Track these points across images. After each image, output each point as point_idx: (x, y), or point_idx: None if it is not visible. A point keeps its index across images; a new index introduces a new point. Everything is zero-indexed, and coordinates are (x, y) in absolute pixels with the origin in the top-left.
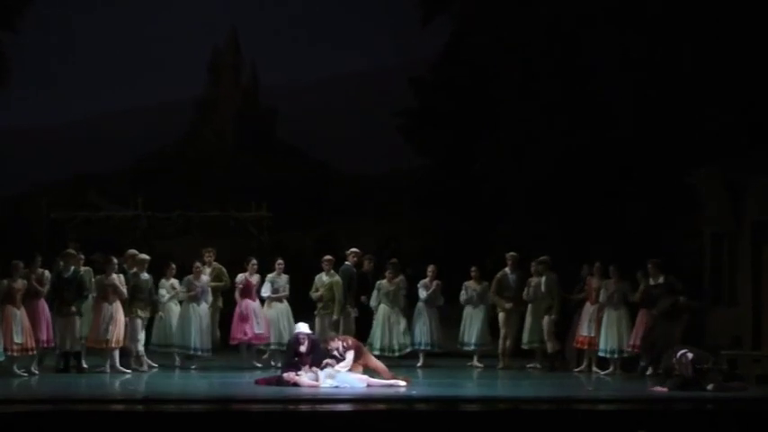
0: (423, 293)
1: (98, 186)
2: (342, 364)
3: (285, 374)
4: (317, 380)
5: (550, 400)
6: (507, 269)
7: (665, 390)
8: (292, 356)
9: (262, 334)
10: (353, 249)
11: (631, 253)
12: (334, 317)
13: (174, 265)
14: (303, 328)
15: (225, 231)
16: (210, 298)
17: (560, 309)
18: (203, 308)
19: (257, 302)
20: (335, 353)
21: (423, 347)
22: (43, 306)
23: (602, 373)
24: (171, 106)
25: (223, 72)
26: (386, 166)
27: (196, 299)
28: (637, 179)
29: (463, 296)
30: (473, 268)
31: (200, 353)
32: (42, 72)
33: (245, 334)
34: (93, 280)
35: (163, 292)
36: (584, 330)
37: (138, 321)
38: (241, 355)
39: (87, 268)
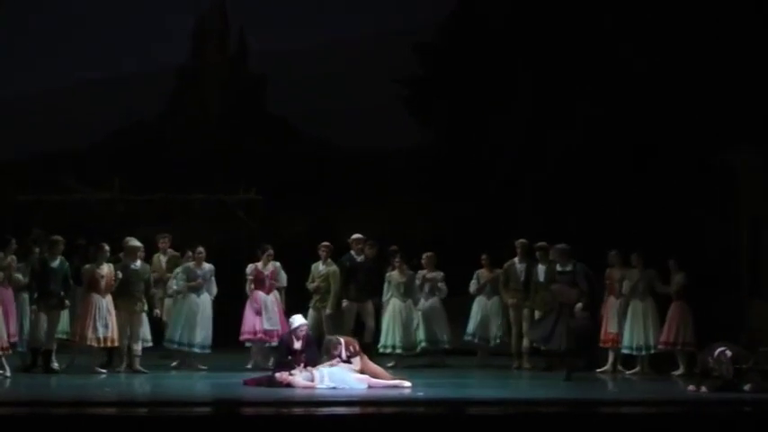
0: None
1: (70, 166)
2: (348, 367)
3: (277, 374)
4: (312, 380)
5: (570, 403)
6: (516, 258)
7: (702, 391)
8: (285, 354)
9: (273, 330)
10: (356, 236)
11: (659, 239)
12: (328, 311)
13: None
14: (299, 320)
15: (211, 216)
16: (215, 289)
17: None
18: (206, 299)
19: (272, 295)
20: (341, 358)
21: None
22: (11, 297)
23: (628, 372)
24: (151, 77)
25: (208, 39)
26: (390, 143)
27: (197, 289)
28: (665, 158)
29: (473, 286)
30: (483, 256)
31: (207, 350)
32: (5, 38)
33: (255, 332)
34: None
35: (172, 283)
36: (612, 327)
37: (127, 318)
38: (252, 354)
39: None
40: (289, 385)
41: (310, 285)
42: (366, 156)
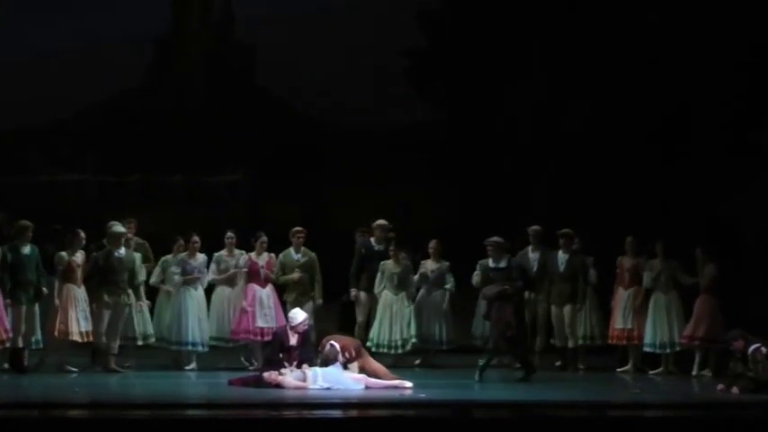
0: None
1: (38, 144)
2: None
3: (266, 374)
4: (304, 380)
5: (585, 406)
6: (529, 248)
7: (733, 392)
8: (278, 351)
9: (266, 328)
10: (381, 222)
11: (684, 227)
12: (319, 301)
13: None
14: (301, 315)
15: (193, 199)
16: (207, 281)
17: (585, 296)
18: (201, 294)
19: (268, 289)
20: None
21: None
22: None
23: (652, 371)
24: (128, 48)
25: (190, 6)
26: (391, 120)
27: (193, 282)
28: (694, 135)
29: (476, 277)
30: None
31: (199, 348)
32: None
33: (248, 330)
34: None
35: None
36: (618, 322)
37: (107, 312)
38: (250, 352)
39: None
40: (278, 386)
41: (284, 278)
42: (366, 134)
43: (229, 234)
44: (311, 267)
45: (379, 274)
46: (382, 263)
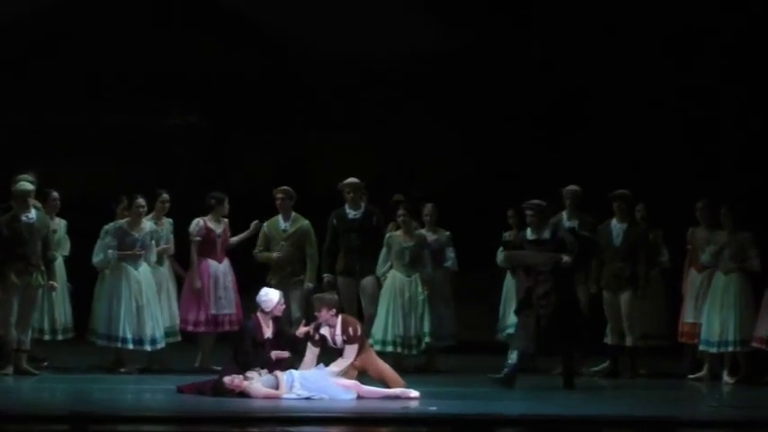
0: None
1: None
2: (338, 363)
3: (227, 379)
4: (277, 387)
5: (647, 423)
6: (564, 213)
7: None
8: (248, 347)
9: (225, 315)
10: (351, 180)
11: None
12: (308, 285)
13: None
14: (275, 296)
15: (135, 149)
16: (154, 257)
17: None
18: (145, 275)
19: (225, 264)
20: (330, 338)
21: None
22: None
23: (731, 378)
24: None
25: None
26: (392, 48)
27: (134, 259)
28: None
29: (501, 256)
30: (510, 211)
31: (147, 347)
32: None
33: (197, 321)
34: None
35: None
36: (689, 315)
37: (15, 296)
38: (202, 348)
39: None
40: (243, 394)
41: (265, 254)
42: (358, 66)
43: (165, 196)
44: (300, 240)
45: (383, 251)
46: (388, 235)
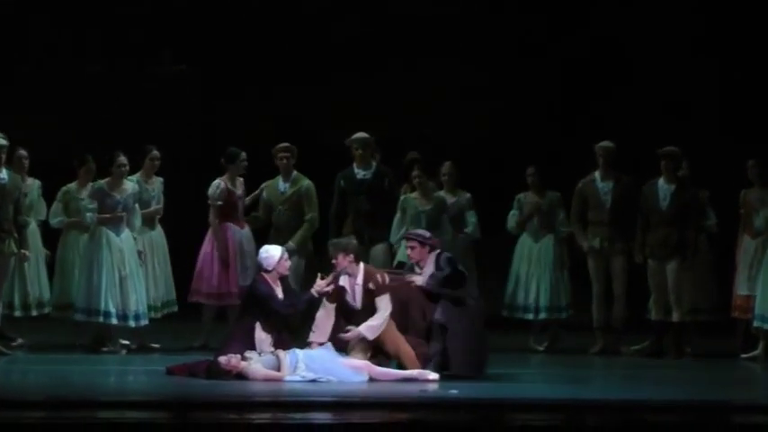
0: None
1: None
2: (375, 317)
3: (223, 358)
4: (278, 368)
5: (696, 407)
6: (597, 173)
7: None
8: (279, 302)
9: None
10: (359, 135)
11: None
12: (290, 244)
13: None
14: (274, 250)
15: (116, 101)
16: (139, 222)
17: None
18: (127, 241)
19: (247, 229)
20: (350, 290)
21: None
22: None
23: (744, 355)
24: None
25: None
26: None
27: (115, 223)
28: None
29: (513, 219)
30: (530, 169)
31: (131, 323)
32: None
33: (219, 291)
34: None
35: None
36: (742, 287)
37: None
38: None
39: None
40: (240, 376)
41: (252, 216)
42: (367, 15)
43: (155, 152)
44: (299, 201)
45: (397, 215)
46: (403, 197)
